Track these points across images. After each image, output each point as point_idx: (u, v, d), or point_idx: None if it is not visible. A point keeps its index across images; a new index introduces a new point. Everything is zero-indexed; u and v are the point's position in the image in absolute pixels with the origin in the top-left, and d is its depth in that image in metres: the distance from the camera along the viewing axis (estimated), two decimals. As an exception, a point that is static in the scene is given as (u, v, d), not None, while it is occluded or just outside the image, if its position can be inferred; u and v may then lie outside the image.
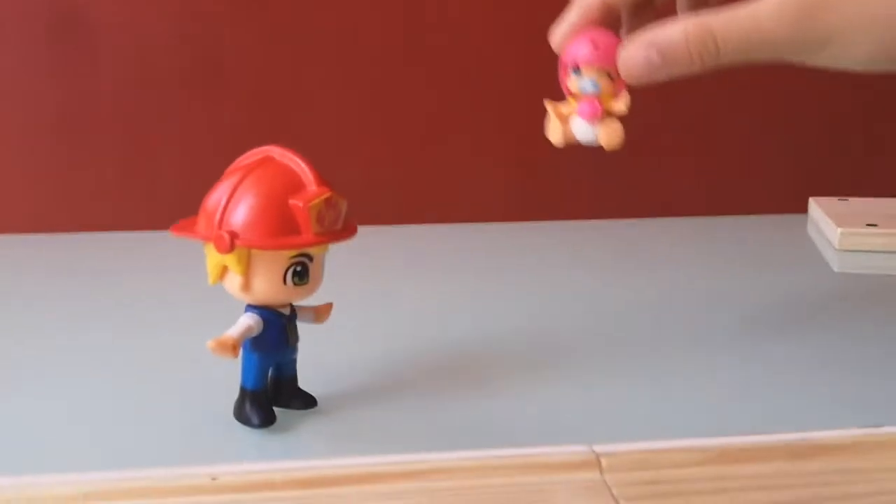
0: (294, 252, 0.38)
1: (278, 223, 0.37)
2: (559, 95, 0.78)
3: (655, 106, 0.83)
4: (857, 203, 0.74)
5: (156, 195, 0.76)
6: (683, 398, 0.43)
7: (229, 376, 0.40)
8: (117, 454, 0.37)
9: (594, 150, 0.79)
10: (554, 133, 0.41)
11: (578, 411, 0.42)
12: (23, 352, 0.49)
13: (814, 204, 0.75)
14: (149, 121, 0.75)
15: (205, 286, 0.39)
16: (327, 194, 0.37)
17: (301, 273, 0.38)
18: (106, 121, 0.75)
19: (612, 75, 0.39)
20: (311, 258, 0.38)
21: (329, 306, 0.42)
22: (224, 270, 0.38)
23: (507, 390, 0.44)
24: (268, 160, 0.38)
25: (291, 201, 0.37)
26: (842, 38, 0.37)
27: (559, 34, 0.41)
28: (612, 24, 0.42)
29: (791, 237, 0.73)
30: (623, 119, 0.40)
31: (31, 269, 0.65)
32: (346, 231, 0.39)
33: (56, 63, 0.73)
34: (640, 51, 0.38)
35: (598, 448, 0.35)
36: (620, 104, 0.40)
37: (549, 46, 0.76)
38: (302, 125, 0.75)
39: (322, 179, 0.38)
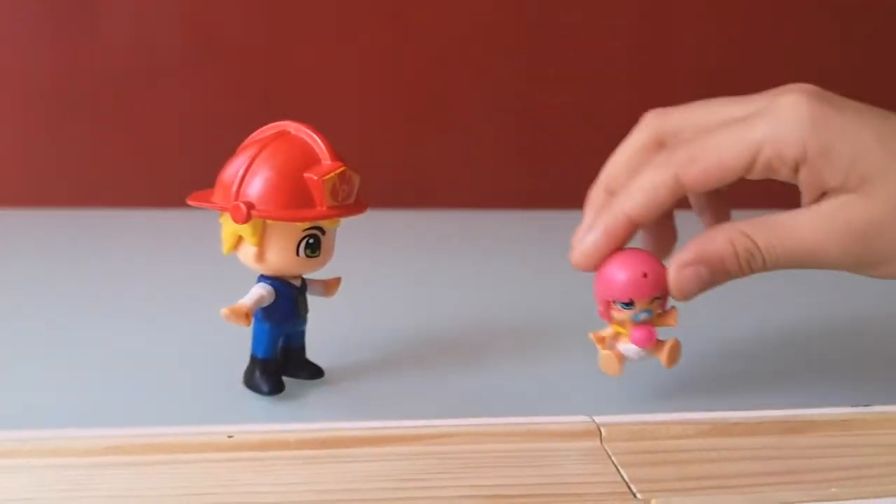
0: (307, 224, 0.39)
1: (293, 196, 0.38)
2: (561, 95, 0.79)
3: (657, 102, 0.84)
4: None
5: (154, 172, 0.77)
6: (680, 377, 0.44)
7: (239, 345, 0.41)
8: (136, 412, 0.39)
9: (595, 147, 0.80)
10: (611, 367, 0.39)
11: (580, 386, 0.43)
12: (47, 319, 0.50)
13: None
14: (148, 98, 0.76)
15: (213, 260, 0.41)
16: (341, 169, 0.38)
17: (313, 245, 0.39)
18: (105, 97, 0.76)
19: (663, 297, 0.38)
20: (323, 231, 0.39)
21: (338, 280, 0.43)
22: (239, 240, 0.39)
23: (510, 365, 0.45)
24: (284, 134, 0.39)
25: (306, 175, 0.38)
26: (892, 261, 0.36)
27: (586, 258, 0.39)
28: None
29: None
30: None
31: (42, 242, 0.66)
32: (359, 205, 0.40)
33: (56, 40, 0.74)
34: (691, 271, 0.37)
35: (599, 419, 0.36)
36: (673, 320, 0.39)
37: (552, 40, 0.78)
38: (301, 105, 0.76)
39: (336, 154, 0.39)
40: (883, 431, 0.37)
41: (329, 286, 0.43)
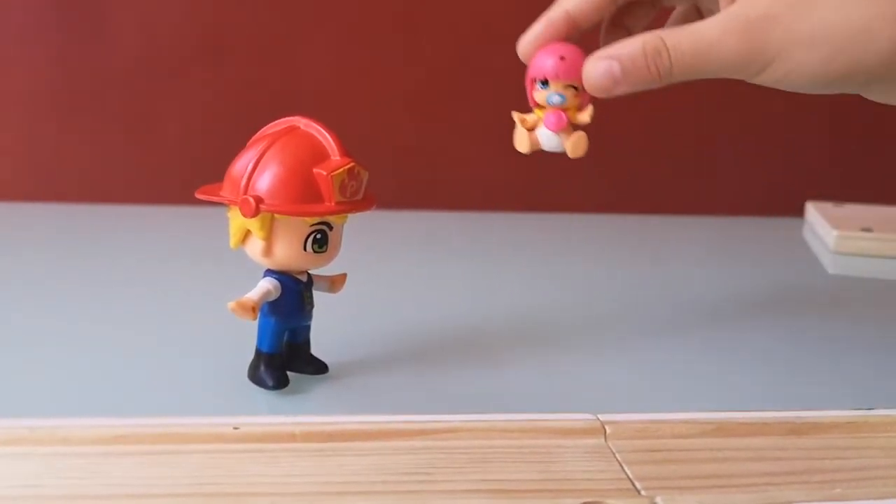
0: (315, 219, 0.39)
1: (302, 190, 0.38)
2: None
3: (658, 106, 0.85)
4: (852, 208, 0.76)
5: (161, 168, 0.77)
6: (684, 380, 0.45)
7: (245, 339, 0.41)
8: (143, 403, 0.39)
9: (595, 151, 0.80)
10: (520, 142, 0.42)
11: (585, 384, 0.43)
12: (57, 311, 0.51)
13: (811, 208, 0.76)
14: (155, 94, 0.76)
15: (220, 255, 0.41)
16: (350, 164, 0.38)
17: (321, 240, 0.39)
18: (111, 94, 0.76)
19: (577, 88, 0.40)
20: (330, 226, 0.40)
21: (343, 276, 0.43)
22: (247, 234, 0.39)
23: (515, 364, 0.46)
24: (293, 129, 0.40)
25: (315, 170, 0.38)
26: (786, 57, 0.37)
27: (525, 44, 0.42)
28: (577, 39, 0.43)
29: (788, 239, 0.74)
30: (588, 128, 0.41)
31: (52, 237, 0.67)
32: (366, 202, 0.40)
33: (63, 36, 0.74)
34: (603, 64, 0.39)
35: (603, 417, 0.36)
36: (585, 116, 0.41)
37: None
38: (308, 104, 0.77)
39: (345, 150, 0.39)
40: (887, 434, 0.37)
41: (335, 282, 0.43)
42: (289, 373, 0.41)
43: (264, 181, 0.38)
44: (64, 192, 0.76)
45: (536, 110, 0.42)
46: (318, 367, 0.43)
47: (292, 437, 0.33)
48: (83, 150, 0.77)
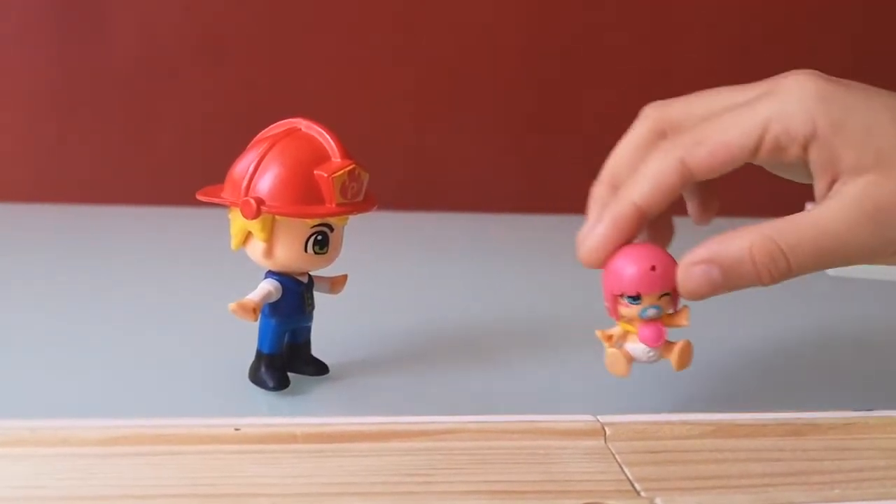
0: (316, 221, 0.39)
1: (303, 192, 0.38)
2: (564, 94, 0.79)
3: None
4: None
5: (161, 169, 0.77)
6: (684, 381, 0.45)
7: (245, 340, 0.41)
8: (144, 404, 0.39)
9: (596, 152, 0.80)
10: (618, 367, 0.37)
11: (585, 386, 0.43)
12: (58, 312, 0.51)
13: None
14: (155, 95, 0.76)
15: (220, 256, 0.41)
16: (351, 166, 0.39)
17: (321, 242, 0.40)
18: (111, 95, 0.76)
19: (673, 293, 0.36)
20: (331, 228, 0.40)
21: (344, 277, 0.43)
22: (247, 236, 0.40)
23: (515, 365, 0.46)
24: (294, 131, 0.40)
25: (316, 172, 0.38)
26: None
27: (592, 250, 0.37)
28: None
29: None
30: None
31: (51, 237, 0.67)
32: (367, 203, 0.40)
33: (63, 37, 0.74)
34: (699, 270, 0.35)
35: (603, 418, 0.36)
36: (683, 319, 0.37)
37: (554, 40, 0.78)
38: (308, 106, 0.77)
39: (346, 151, 0.39)
40: (885, 435, 0.37)
41: (335, 283, 0.43)
42: (289, 374, 0.42)
43: (265, 183, 0.38)
44: (64, 193, 0.76)
45: (622, 323, 0.37)
46: (319, 368, 0.43)
47: (293, 438, 0.33)
48: (83, 151, 0.77)
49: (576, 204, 0.82)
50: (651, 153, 0.37)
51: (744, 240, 0.35)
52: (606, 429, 0.36)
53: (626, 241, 0.37)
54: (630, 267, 0.36)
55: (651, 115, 0.39)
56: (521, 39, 0.81)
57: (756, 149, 0.35)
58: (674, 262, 0.36)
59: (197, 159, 0.75)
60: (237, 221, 0.39)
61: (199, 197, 0.40)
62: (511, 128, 0.83)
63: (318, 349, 0.43)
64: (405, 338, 0.48)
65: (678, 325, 0.37)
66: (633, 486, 0.32)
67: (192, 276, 0.59)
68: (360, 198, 0.40)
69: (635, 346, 0.37)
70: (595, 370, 0.45)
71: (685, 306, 0.37)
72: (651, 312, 0.36)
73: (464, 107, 0.81)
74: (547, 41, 0.82)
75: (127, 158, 0.77)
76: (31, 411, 0.35)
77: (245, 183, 0.39)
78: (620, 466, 0.33)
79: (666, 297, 0.36)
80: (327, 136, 0.39)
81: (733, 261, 0.35)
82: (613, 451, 0.34)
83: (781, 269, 0.34)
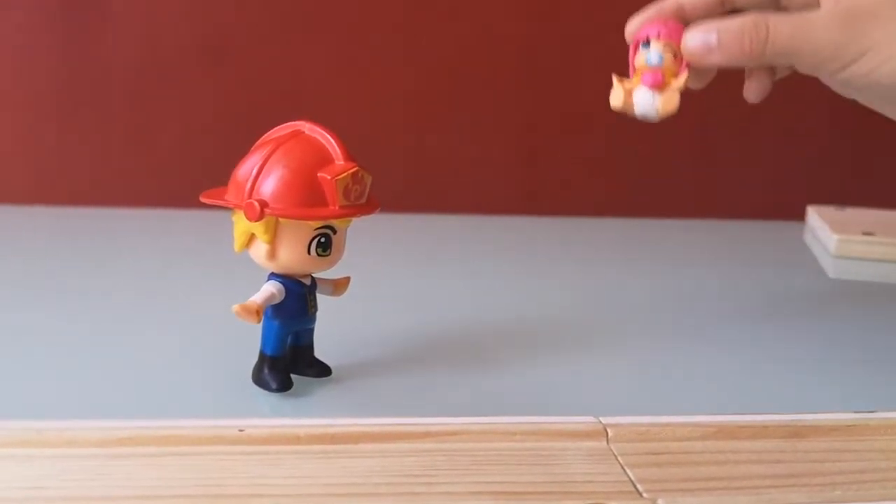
0: (319, 223, 0.39)
1: (306, 195, 0.38)
2: (559, 96, 0.79)
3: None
4: (854, 212, 0.76)
5: (163, 171, 0.77)
6: (686, 383, 0.45)
7: (249, 342, 0.42)
8: (148, 405, 0.40)
9: (597, 155, 0.81)
10: (615, 97, 0.44)
11: (587, 387, 0.43)
12: (62, 315, 0.51)
13: (812, 212, 0.77)
14: (157, 97, 0.77)
15: (223, 258, 0.41)
16: (354, 169, 0.39)
17: (324, 244, 0.40)
18: (114, 96, 0.76)
19: (676, 53, 0.43)
20: (334, 230, 0.40)
21: (347, 280, 0.44)
22: (251, 238, 0.40)
23: (517, 367, 0.46)
24: (298, 134, 0.40)
25: (319, 174, 0.38)
26: (879, 50, 0.40)
27: (634, 23, 0.45)
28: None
29: (789, 243, 0.75)
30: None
31: (55, 240, 0.67)
32: (370, 206, 0.40)
33: (65, 39, 0.74)
34: (701, 32, 0.42)
35: (605, 420, 0.36)
36: (680, 79, 0.43)
37: (555, 41, 0.78)
38: (309, 108, 0.77)
39: (349, 154, 0.39)
40: (886, 437, 0.37)
41: (338, 285, 0.43)
42: (292, 375, 0.42)
43: (269, 185, 0.38)
44: (66, 195, 0.76)
45: (635, 77, 0.44)
46: (322, 370, 0.43)
47: (296, 439, 0.33)
48: (84, 153, 0.77)
49: (576, 206, 0.82)
50: None
51: (743, 15, 0.42)
52: (609, 430, 0.36)
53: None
54: (649, 23, 0.44)
55: None
56: (521, 41, 0.81)
57: None
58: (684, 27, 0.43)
59: (198, 161, 0.76)
60: (241, 223, 0.39)
61: (203, 199, 0.40)
62: (511, 130, 0.83)
63: (320, 351, 0.43)
64: (408, 339, 0.48)
65: (675, 85, 0.43)
66: (635, 487, 0.32)
67: (196, 278, 0.59)
68: (363, 200, 0.40)
69: (637, 91, 0.44)
70: (597, 371, 0.45)
71: (686, 74, 0.43)
72: (654, 57, 0.43)
73: (464, 109, 0.81)
74: (547, 43, 0.82)
75: (128, 160, 0.77)
76: (36, 412, 0.36)
77: (249, 185, 0.39)
78: (622, 468, 0.34)
79: (671, 54, 0.43)
80: (330, 139, 0.39)
81: (729, 29, 0.41)
82: (616, 453, 0.35)
83: (761, 40, 0.41)
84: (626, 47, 0.45)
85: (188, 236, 0.68)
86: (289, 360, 0.42)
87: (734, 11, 0.45)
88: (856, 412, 0.39)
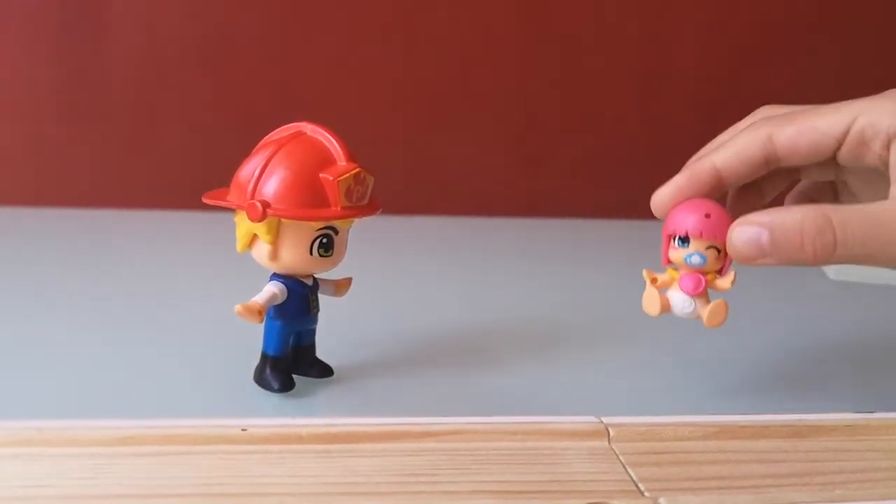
0: (321, 224, 0.39)
1: (308, 195, 0.38)
2: (559, 99, 0.80)
3: (658, 111, 0.85)
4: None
5: (163, 173, 0.77)
6: (687, 383, 0.45)
7: (250, 342, 0.42)
8: (150, 405, 0.40)
9: (597, 157, 0.81)
10: (650, 303, 0.39)
11: (589, 388, 0.43)
12: (65, 315, 0.51)
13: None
14: (157, 99, 0.77)
15: (225, 259, 0.41)
16: (356, 170, 0.39)
17: (326, 245, 0.40)
18: (114, 98, 0.76)
19: (720, 250, 0.37)
20: (336, 231, 0.40)
21: (349, 280, 0.44)
22: (253, 239, 0.40)
23: (519, 367, 0.46)
24: (300, 135, 0.40)
25: (322, 175, 0.39)
26: None
27: (663, 196, 0.39)
28: (720, 199, 0.40)
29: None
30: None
31: (56, 241, 0.67)
32: (372, 206, 0.40)
33: (66, 41, 0.75)
34: (752, 231, 0.36)
35: (607, 420, 0.36)
36: (726, 282, 0.38)
37: (555, 43, 0.78)
38: (308, 107, 0.77)
39: (351, 155, 0.39)
40: (886, 437, 0.37)
41: (340, 286, 0.43)
42: (294, 376, 0.42)
43: (271, 186, 0.39)
44: (67, 197, 0.76)
45: (670, 270, 0.39)
46: (324, 371, 0.43)
47: (299, 439, 0.34)
48: (86, 154, 0.77)
49: (576, 207, 0.82)
50: (746, 128, 0.39)
51: (798, 211, 0.35)
52: (610, 430, 0.36)
53: (697, 195, 0.38)
54: (686, 210, 0.38)
55: (761, 111, 0.41)
56: (522, 43, 0.81)
57: (842, 137, 0.37)
58: (731, 221, 0.37)
59: (200, 163, 0.76)
60: (243, 224, 0.39)
61: (205, 200, 0.40)
62: (512, 131, 0.83)
63: (322, 351, 0.43)
64: (410, 340, 0.49)
65: (720, 288, 0.38)
66: (636, 486, 0.32)
67: (198, 278, 0.59)
68: (365, 201, 0.40)
69: (674, 294, 0.38)
70: (599, 372, 0.45)
71: (734, 272, 0.38)
72: (695, 259, 0.37)
73: (464, 111, 0.81)
74: (547, 44, 0.82)
75: (130, 162, 0.78)
76: (39, 412, 0.36)
77: (251, 186, 0.39)
78: (624, 467, 0.34)
79: (714, 251, 0.37)
80: (332, 140, 0.39)
81: (784, 229, 0.35)
82: (617, 452, 0.35)
83: (828, 243, 0.35)
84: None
85: (190, 237, 0.68)
86: (290, 360, 0.42)
87: (781, 173, 0.41)
88: (856, 412, 0.39)
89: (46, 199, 0.76)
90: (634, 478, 0.33)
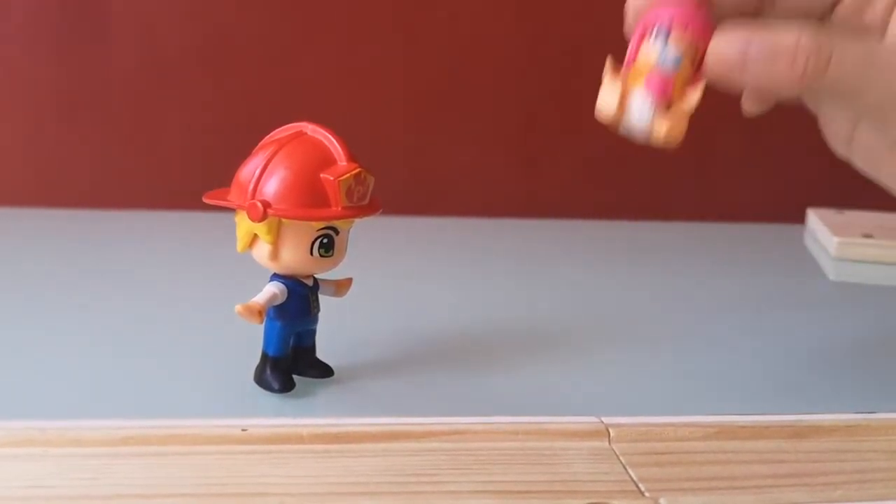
0: (322, 224, 0.39)
1: (309, 195, 0.39)
2: (559, 99, 0.80)
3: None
4: (854, 215, 0.76)
5: (164, 174, 0.77)
6: (687, 383, 0.45)
7: (251, 342, 0.42)
8: (150, 405, 0.40)
9: (597, 157, 0.81)
10: (608, 100, 0.33)
11: (589, 388, 0.43)
12: (65, 316, 0.51)
13: (812, 214, 0.77)
14: (158, 99, 0.77)
15: (224, 260, 0.41)
16: (357, 170, 0.39)
17: (327, 245, 0.40)
18: (115, 98, 0.76)
19: (695, 59, 0.33)
20: (337, 231, 0.40)
21: (349, 281, 0.44)
22: (253, 239, 0.40)
23: (519, 367, 0.46)
24: (300, 135, 0.40)
25: (322, 175, 0.39)
26: None
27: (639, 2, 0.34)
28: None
29: (789, 245, 0.75)
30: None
31: (54, 241, 0.67)
32: (372, 207, 0.41)
33: (65, 41, 0.75)
34: (740, 41, 0.32)
35: (607, 420, 0.37)
36: (693, 97, 0.33)
37: (555, 44, 0.78)
38: (308, 108, 0.77)
39: (352, 155, 0.39)
40: (887, 437, 0.37)
41: (340, 286, 0.43)
42: (294, 376, 0.42)
43: (272, 186, 0.39)
44: (68, 197, 0.76)
45: (633, 74, 0.33)
46: (324, 371, 0.43)
47: (300, 439, 0.34)
48: (86, 155, 0.77)
49: (576, 208, 0.82)
50: None
51: (795, 24, 0.32)
52: (610, 430, 0.36)
53: None
54: (669, 3, 0.33)
55: None
56: (522, 43, 0.81)
57: None
58: (713, 27, 0.33)
59: (200, 163, 0.76)
60: (243, 224, 0.39)
61: (206, 200, 0.40)
62: (512, 132, 0.83)
63: (323, 352, 0.43)
64: (410, 340, 0.49)
65: (684, 104, 0.33)
66: (637, 486, 0.32)
67: (198, 278, 0.59)
68: (366, 201, 0.40)
69: (634, 98, 0.33)
70: (599, 372, 0.45)
71: (700, 91, 0.34)
72: (670, 57, 0.32)
73: (464, 111, 0.81)
74: (547, 45, 0.82)
75: (130, 162, 0.78)
76: (40, 412, 0.36)
77: (251, 186, 0.39)
78: (624, 467, 0.34)
79: (689, 60, 0.33)
80: (333, 140, 0.40)
81: (776, 43, 0.32)
82: (617, 452, 0.35)
83: (819, 67, 0.32)
84: (624, 52, 0.36)
85: (190, 237, 0.68)
86: (291, 360, 0.42)
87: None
88: (856, 412, 0.39)
89: (46, 199, 0.76)
90: (634, 478, 0.33)
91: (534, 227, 0.79)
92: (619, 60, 0.34)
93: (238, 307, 0.38)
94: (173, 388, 0.42)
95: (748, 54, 0.32)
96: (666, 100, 0.33)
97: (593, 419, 0.36)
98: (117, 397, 0.40)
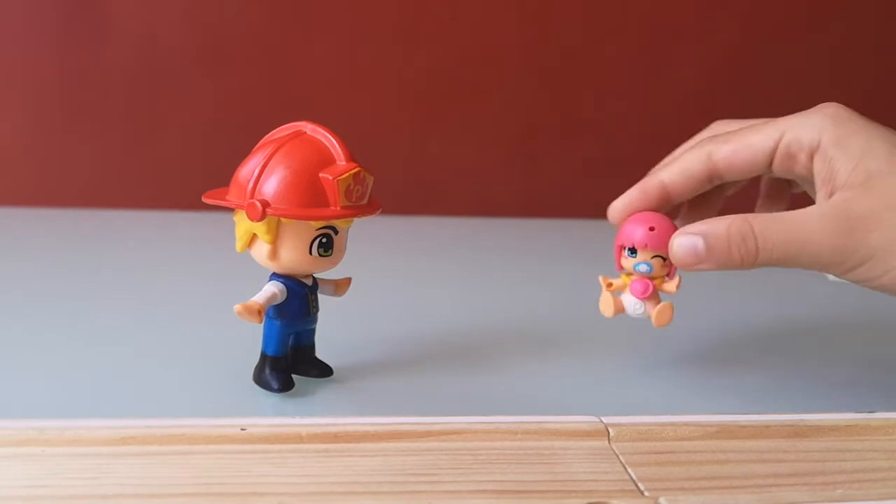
0: (321, 223, 0.39)
1: (308, 195, 0.38)
2: (559, 100, 0.80)
3: (656, 111, 0.85)
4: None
5: (163, 174, 0.78)
6: (687, 383, 0.45)
7: (250, 342, 0.42)
8: (150, 405, 0.39)
9: (596, 157, 0.81)
10: (605, 305, 0.43)
11: (589, 387, 0.43)
12: (65, 316, 0.51)
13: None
14: (157, 99, 0.77)
15: (224, 259, 0.41)
16: (356, 169, 0.39)
17: (326, 244, 0.40)
18: (114, 98, 0.76)
19: (665, 258, 0.41)
20: (336, 231, 0.40)
21: (348, 280, 0.44)
22: (253, 238, 0.40)
23: (519, 367, 0.46)
24: (300, 134, 0.40)
25: (321, 175, 0.38)
26: (883, 258, 0.37)
27: (617, 209, 0.43)
28: (670, 212, 0.43)
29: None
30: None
31: (55, 241, 0.67)
32: (371, 206, 0.40)
33: (66, 41, 0.75)
34: (688, 240, 0.39)
35: (607, 419, 0.36)
36: (672, 286, 0.42)
37: (555, 45, 0.78)
38: (308, 108, 0.77)
39: (351, 155, 0.39)
40: (887, 437, 0.37)
41: (339, 286, 0.43)
42: (294, 376, 0.42)
43: (271, 185, 0.39)
44: (68, 197, 0.76)
45: (623, 276, 0.43)
46: (323, 371, 0.43)
47: (299, 438, 0.34)
48: (86, 155, 0.77)
49: (576, 208, 0.82)
50: (691, 147, 0.43)
51: (726, 220, 0.39)
52: (610, 430, 0.36)
53: (647, 209, 0.42)
54: (634, 224, 0.42)
55: (712, 126, 0.45)
56: (522, 44, 0.81)
57: (772, 152, 0.40)
58: (673, 231, 0.40)
59: (200, 163, 0.76)
60: (243, 223, 0.39)
61: (205, 199, 0.40)
62: (511, 132, 0.83)
63: (322, 351, 0.43)
64: (409, 340, 0.49)
65: (667, 291, 0.42)
66: (636, 486, 0.32)
67: (197, 278, 0.59)
68: (365, 201, 0.40)
69: (627, 297, 0.42)
70: (599, 372, 0.45)
71: (679, 277, 0.42)
72: (643, 268, 0.41)
73: (464, 112, 0.81)
74: (547, 46, 0.82)
75: (130, 162, 0.78)
76: (39, 412, 0.36)
77: (251, 185, 0.39)
78: (624, 467, 0.34)
79: (659, 260, 0.41)
80: (332, 140, 0.39)
81: (715, 237, 0.39)
82: (617, 452, 0.35)
83: (750, 250, 0.38)
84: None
85: (190, 237, 0.68)
86: (290, 360, 0.42)
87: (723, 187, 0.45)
88: (856, 412, 0.39)
89: (46, 199, 0.76)
90: (634, 478, 0.33)
91: (533, 226, 0.79)
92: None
93: (237, 307, 0.38)
94: (173, 388, 0.42)
95: (698, 252, 0.39)
96: (648, 295, 0.42)
97: (593, 419, 0.36)
98: (117, 397, 0.40)
